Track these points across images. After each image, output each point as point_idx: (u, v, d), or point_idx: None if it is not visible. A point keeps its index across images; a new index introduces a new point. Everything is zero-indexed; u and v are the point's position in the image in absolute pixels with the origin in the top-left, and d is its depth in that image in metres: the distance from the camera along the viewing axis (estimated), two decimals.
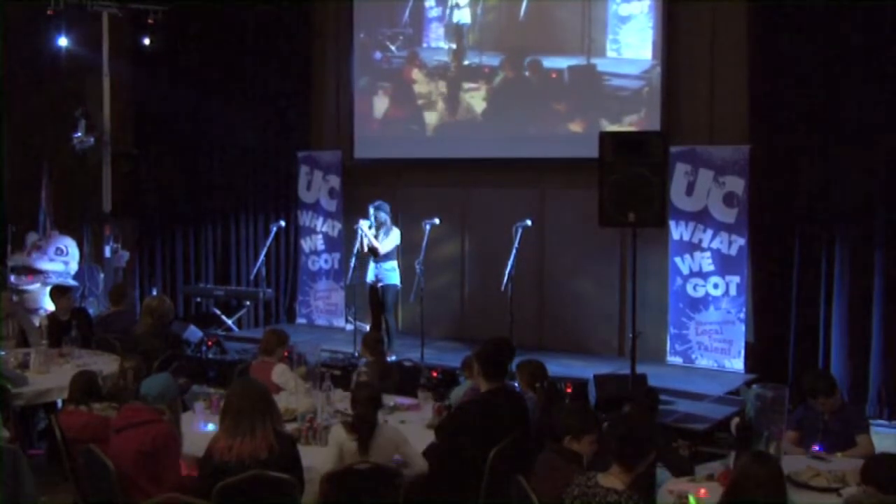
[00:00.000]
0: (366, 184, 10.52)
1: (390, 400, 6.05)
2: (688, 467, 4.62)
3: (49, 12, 10.48)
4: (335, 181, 10.74)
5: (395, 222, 9.56)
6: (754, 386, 4.85)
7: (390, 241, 9.13)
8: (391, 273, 9.18)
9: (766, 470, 3.77)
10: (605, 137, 7.47)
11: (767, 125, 8.38)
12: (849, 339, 7.91)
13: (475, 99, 10.07)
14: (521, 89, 9.78)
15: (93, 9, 10.78)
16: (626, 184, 7.19)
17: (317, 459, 4.85)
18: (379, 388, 5.24)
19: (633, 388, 5.65)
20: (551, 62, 9.59)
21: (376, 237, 9.06)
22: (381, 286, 9.16)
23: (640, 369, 7.26)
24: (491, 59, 9.95)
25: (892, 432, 7.43)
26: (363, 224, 9.08)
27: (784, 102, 8.26)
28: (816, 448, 5.10)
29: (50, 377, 6.85)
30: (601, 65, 9.31)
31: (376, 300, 9.25)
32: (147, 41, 10.90)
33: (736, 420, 4.70)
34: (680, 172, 8.67)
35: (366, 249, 9.12)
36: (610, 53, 9.28)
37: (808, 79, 8.09)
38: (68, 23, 10.69)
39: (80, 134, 10.89)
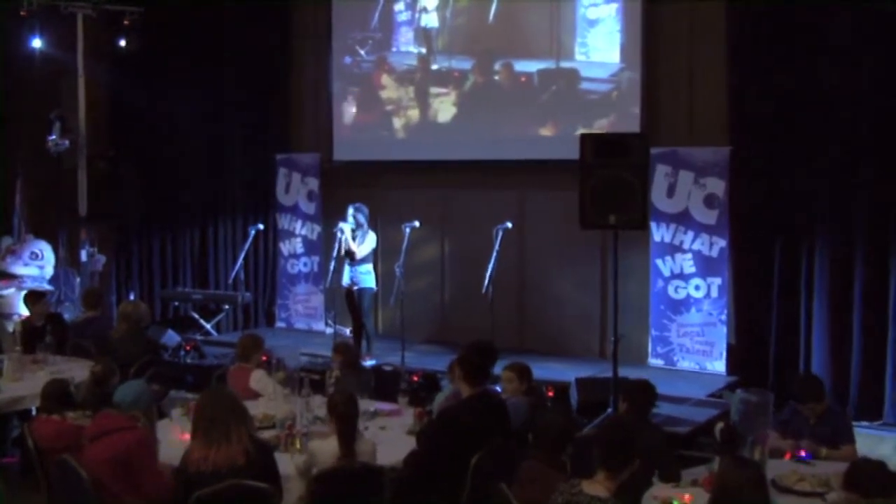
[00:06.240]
0: (345, 186, 10.43)
1: (371, 405, 5.97)
2: (676, 473, 4.56)
3: (22, 13, 10.32)
4: (314, 184, 10.66)
5: (375, 225, 9.50)
6: (738, 390, 4.84)
7: (367, 244, 9.07)
8: (366, 276, 9.12)
9: (746, 474, 3.76)
10: (586, 139, 7.41)
11: (747, 127, 8.36)
12: (829, 340, 7.91)
13: (445, 104, 10.00)
14: (492, 93, 9.73)
15: (67, 10, 10.62)
16: (606, 186, 7.14)
17: (292, 468, 4.79)
18: (354, 394, 5.15)
19: (629, 386, 5.54)
20: (521, 66, 9.54)
21: (353, 239, 8.99)
22: (357, 290, 9.11)
23: (621, 372, 7.23)
24: (461, 63, 9.88)
25: (872, 433, 7.42)
26: (344, 226, 9.01)
27: (764, 104, 8.22)
28: (803, 455, 5.06)
29: (23, 384, 6.73)
30: (570, 68, 9.27)
31: (353, 304, 9.19)
32: (123, 42, 10.73)
33: (720, 425, 4.66)
34: (660, 174, 8.64)
35: (343, 252, 9.05)
36: (578, 57, 9.25)
37: (787, 80, 8.06)
38: (42, 24, 10.51)
39: (54, 136, 10.72)
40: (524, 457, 4.60)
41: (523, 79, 9.55)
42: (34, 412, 6.36)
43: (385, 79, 10.37)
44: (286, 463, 4.82)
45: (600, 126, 9.04)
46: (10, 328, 8.63)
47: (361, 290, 9.11)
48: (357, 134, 10.59)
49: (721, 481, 3.79)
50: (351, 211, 9.11)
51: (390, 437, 5.44)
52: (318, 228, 10.64)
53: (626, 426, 4.22)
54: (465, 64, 9.86)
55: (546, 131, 9.50)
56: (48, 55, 10.81)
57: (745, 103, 8.35)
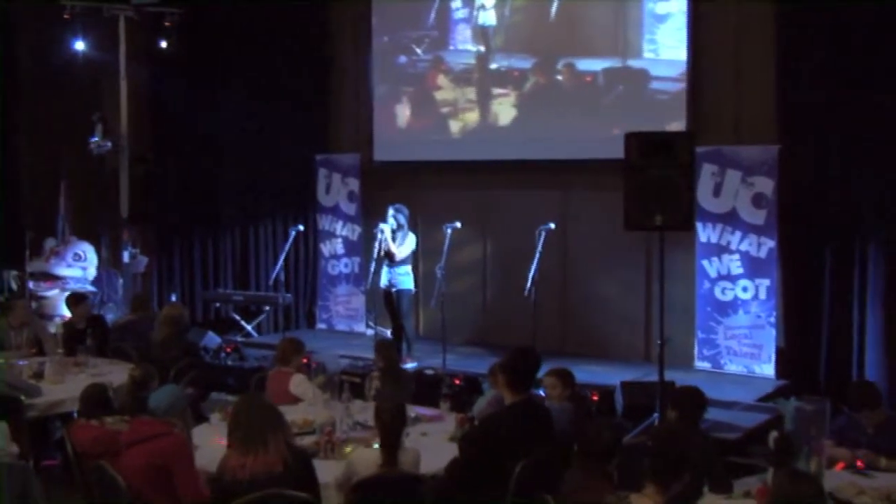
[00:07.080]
0: (385, 187, 10.35)
1: (411, 411, 5.87)
2: (727, 484, 4.39)
3: (65, 16, 10.42)
4: (354, 184, 10.59)
5: (415, 226, 9.41)
6: (793, 398, 4.64)
7: (406, 246, 8.99)
8: (405, 278, 9.04)
9: (803, 490, 3.57)
10: (631, 138, 7.23)
11: (796, 125, 8.15)
12: (884, 343, 7.66)
13: (503, 105, 9.75)
14: (554, 93, 9.44)
15: (109, 12, 10.70)
16: (651, 186, 6.96)
17: (331, 476, 4.70)
18: (402, 402, 5.06)
19: (678, 393, 5.37)
20: (584, 64, 9.23)
21: (393, 240, 8.91)
22: (395, 291, 9.03)
23: (667, 375, 7.07)
24: (520, 62, 9.61)
25: None
26: (384, 227, 8.93)
27: (813, 101, 8.01)
28: (860, 466, 4.87)
29: (64, 387, 6.73)
30: (637, 67, 8.94)
31: (391, 306, 9.11)
32: (164, 44, 10.81)
33: (774, 434, 4.47)
34: (706, 173, 8.44)
35: (382, 253, 8.97)
36: (647, 54, 8.91)
37: (836, 78, 7.85)
38: (84, 26, 10.63)
39: (97, 138, 10.81)
40: (569, 465, 4.46)
41: (588, 78, 9.24)
42: (76, 415, 6.37)
43: (441, 79, 10.18)
44: (325, 470, 4.73)
45: (672, 128, 8.59)
46: (53, 330, 8.68)
47: (400, 291, 9.03)
48: (404, 134, 10.45)
49: (776, 496, 3.62)
50: (391, 212, 9.03)
51: (431, 444, 5.33)
52: (358, 229, 10.57)
53: (677, 437, 4.05)
54: (525, 63, 9.57)
55: (615, 132, 9.04)
56: (90, 57, 10.92)
57: (794, 101, 8.14)
